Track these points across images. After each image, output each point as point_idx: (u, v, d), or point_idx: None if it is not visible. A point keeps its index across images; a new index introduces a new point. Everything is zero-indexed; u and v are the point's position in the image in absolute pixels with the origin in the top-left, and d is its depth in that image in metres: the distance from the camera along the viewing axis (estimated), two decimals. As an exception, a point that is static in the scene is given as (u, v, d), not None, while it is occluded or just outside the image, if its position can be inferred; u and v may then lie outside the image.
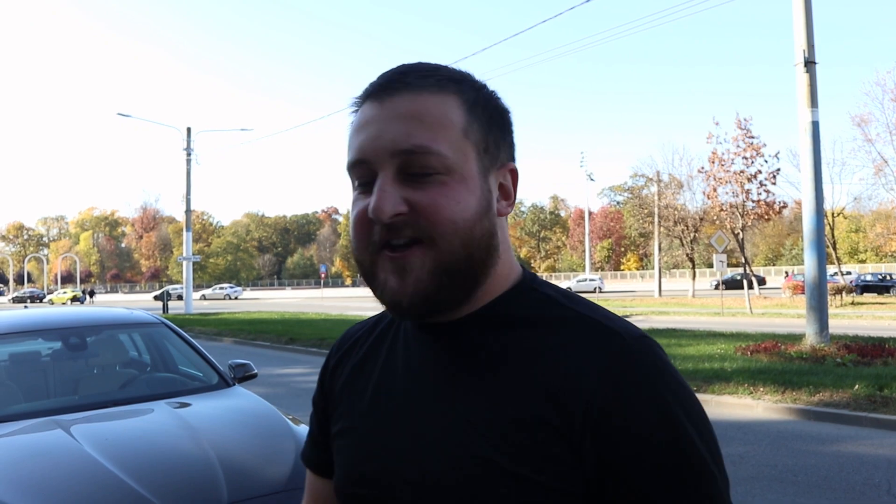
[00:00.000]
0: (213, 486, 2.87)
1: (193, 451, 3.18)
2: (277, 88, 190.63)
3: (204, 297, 64.86)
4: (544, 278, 0.96)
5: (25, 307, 35.64)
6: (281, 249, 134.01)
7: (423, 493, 0.81)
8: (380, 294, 0.84)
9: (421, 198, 0.80)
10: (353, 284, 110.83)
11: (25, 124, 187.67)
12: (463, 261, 0.81)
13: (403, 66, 0.87)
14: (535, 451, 0.76)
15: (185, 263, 34.24)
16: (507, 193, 0.89)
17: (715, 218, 32.62)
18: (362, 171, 0.83)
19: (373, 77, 0.88)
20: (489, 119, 0.86)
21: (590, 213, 63.47)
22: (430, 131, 0.80)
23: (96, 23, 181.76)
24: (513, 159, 0.90)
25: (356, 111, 0.87)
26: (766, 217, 31.12)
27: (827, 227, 22.46)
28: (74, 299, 62.46)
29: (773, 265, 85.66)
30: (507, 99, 0.92)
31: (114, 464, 2.95)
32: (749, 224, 30.92)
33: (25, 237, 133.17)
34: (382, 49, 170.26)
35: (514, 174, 0.90)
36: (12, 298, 72.80)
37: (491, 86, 0.91)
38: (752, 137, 29.91)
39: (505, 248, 0.88)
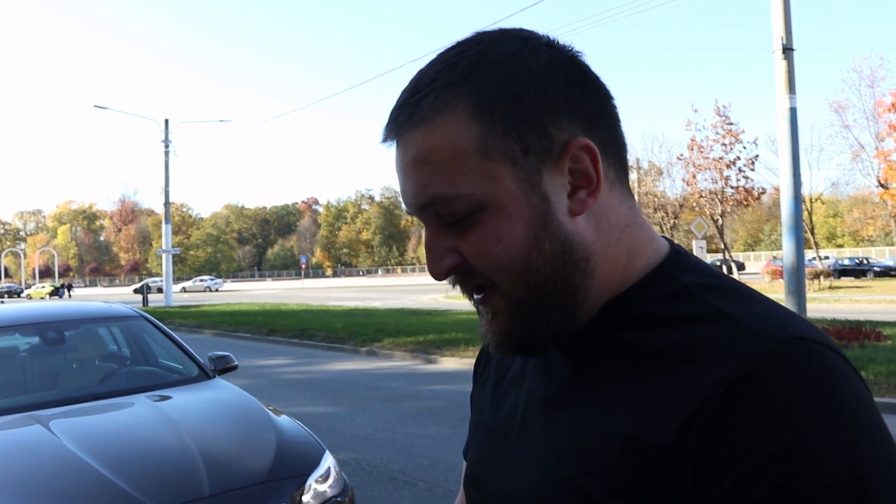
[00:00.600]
0: (195, 479, 2.85)
1: (174, 444, 3.16)
2: (255, 81, 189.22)
3: (184, 290, 64.46)
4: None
5: (2, 302, 35.13)
6: (261, 241, 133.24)
7: None
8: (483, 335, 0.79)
9: (464, 247, 0.71)
10: (334, 275, 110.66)
11: (0, 118, 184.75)
12: (532, 299, 0.71)
13: (409, 84, 0.73)
14: (631, 481, 0.63)
15: (164, 256, 33.94)
16: (583, 179, 0.70)
17: (694, 204, 32.87)
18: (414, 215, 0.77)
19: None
20: (519, 108, 0.68)
21: (571, 201, 63.90)
22: (442, 173, 0.69)
23: (70, 16, 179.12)
24: (586, 129, 0.70)
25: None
26: (745, 203, 31.47)
27: (805, 213, 22.70)
28: (53, 293, 61.75)
29: (753, 250, 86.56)
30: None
31: (94, 458, 2.93)
32: (728, 210, 31.26)
33: (2, 232, 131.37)
34: (360, 41, 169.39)
35: (587, 150, 0.69)
36: (-11, 293, 71.88)
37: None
38: (731, 124, 30.18)
39: (608, 243, 0.73)
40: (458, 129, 0.68)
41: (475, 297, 0.75)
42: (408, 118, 0.70)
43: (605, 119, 0.73)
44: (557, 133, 0.69)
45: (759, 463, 0.56)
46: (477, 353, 1.02)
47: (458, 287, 0.76)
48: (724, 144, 30.15)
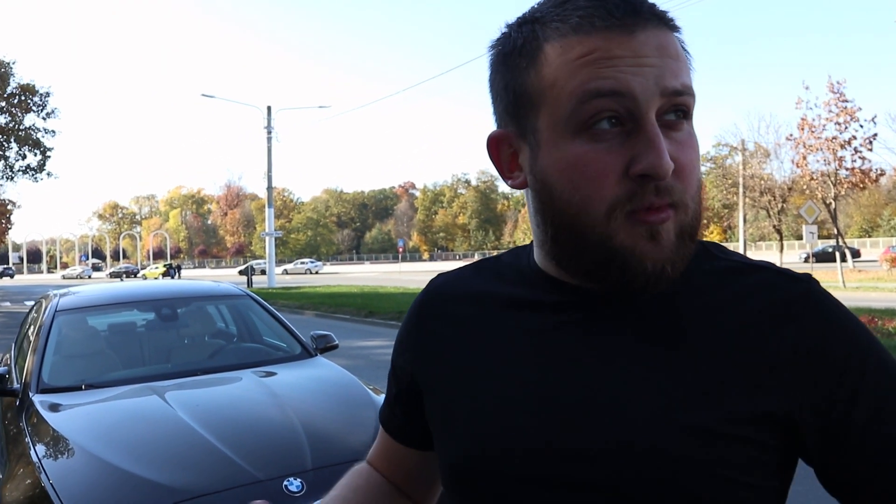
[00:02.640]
0: (298, 452, 2.95)
1: (279, 418, 3.28)
2: (354, 65, 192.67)
3: (286, 272, 66.64)
4: None
5: (121, 281, 37.49)
6: (359, 224, 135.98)
7: (603, 466, 0.72)
8: (632, 262, 0.72)
9: (681, 155, 0.72)
10: (431, 259, 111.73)
11: (118, 109, 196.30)
12: (699, 223, 0.75)
13: None
14: (728, 409, 0.70)
15: (267, 239, 35.22)
16: None
17: (805, 187, 31.14)
18: (611, 107, 0.69)
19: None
20: (689, 61, 0.77)
21: (671, 185, 61.95)
22: (687, 73, 0.73)
23: (182, 4, 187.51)
24: None
25: (540, 41, 0.74)
26: (862, 185, 29.50)
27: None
28: (165, 273, 65.32)
29: (869, 237, 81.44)
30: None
31: (205, 428, 3.07)
32: (842, 193, 29.41)
33: (120, 216, 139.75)
34: (457, 24, 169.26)
35: None
36: (109, 273, 76.91)
37: None
38: (846, 101, 28.35)
39: None
40: (682, 50, 0.74)
41: (650, 215, 0.70)
42: (654, 16, 0.72)
43: None
44: None
45: (855, 359, 0.72)
46: None
47: (630, 197, 0.70)
48: (839, 123, 28.35)
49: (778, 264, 0.78)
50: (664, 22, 0.73)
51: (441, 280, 0.98)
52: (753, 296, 0.75)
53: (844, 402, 0.70)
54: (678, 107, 0.72)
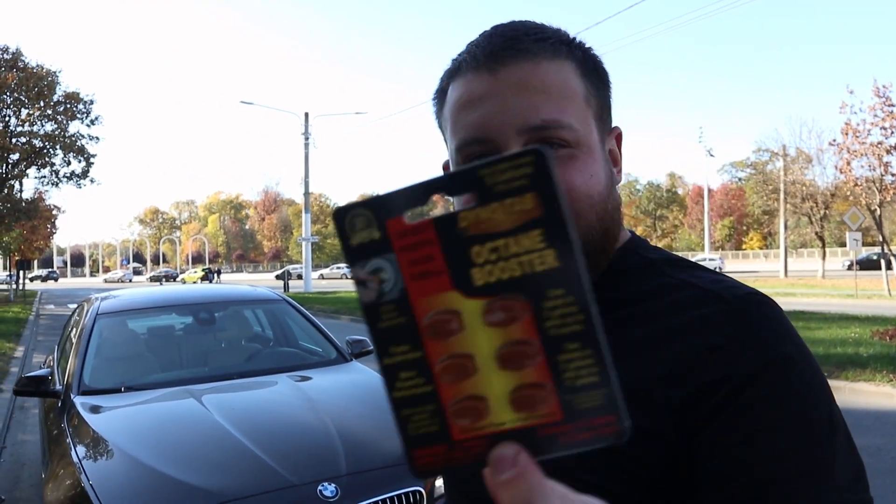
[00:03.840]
0: (332, 457, 2.94)
1: (314, 423, 3.28)
2: (390, 71, 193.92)
3: (322, 277, 67.28)
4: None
5: (160, 285, 38.14)
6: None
7: None
8: None
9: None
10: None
11: (159, 116, 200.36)
12: (600, 238, 0.77)
13: (504, 27, 0.78)
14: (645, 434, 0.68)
15: (304, 244, 35.59)
16: (616, 159, 0.85)
17: (848, 193, 30.44)
18: (478, 150, 0.75)
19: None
20: (600, 82, 0.80)
21: (709, 191, 61.03)
22: (557, 104, 0.73)
23: (221, 9, 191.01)
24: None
25: (447, 84, 0.80)
26: (908, 192, 28.77)
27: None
28: (204, 278, 66.41)
29: (915, 244, 79.35)
30: (617, 76, 0.85)
31: (240, 432, 3.09)
32: (888, 200, 28.69)
33: (160, 220, 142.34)
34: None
35: (619, 139, 0.85)
36: (150, 277, 78.46)
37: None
38: (893, 105, 27.67)
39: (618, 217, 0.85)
40: (570, 76, 0.76)
41: None
42: (520, 52, 0.74)
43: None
44: (609, 117, 0.83)
45: (748, 372, 0.67)
46: None
47: None
48: (885, 128, 27.67)
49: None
50: (535, 55, 0.74)
51: None
52: (684, 324, 0.73)
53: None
54: (547, 139, 0.73)
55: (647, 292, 0.77)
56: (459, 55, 0.79)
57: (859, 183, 28.61)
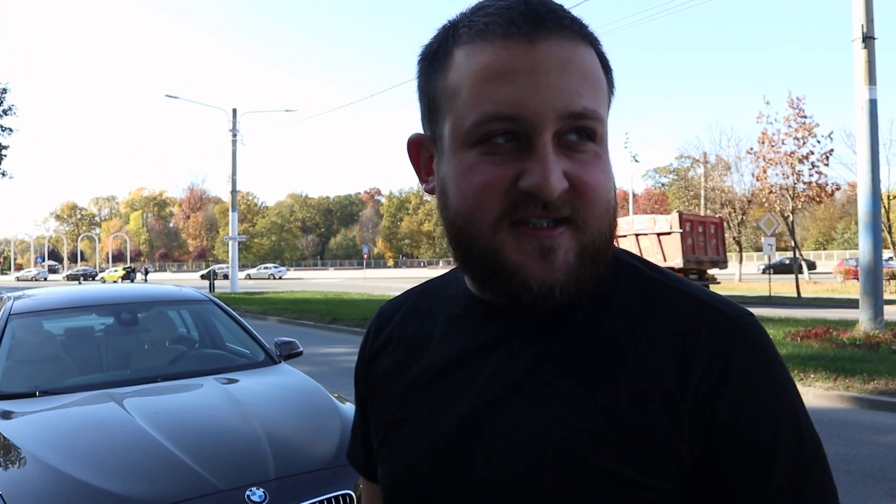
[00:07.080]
0: (261, 461, 2.89)
1: (241, 426, 3.22)
2: (321, 71, 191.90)
3: (249, 277, 66.02)
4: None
5: (79, 284, 36.64)
6: (324, 230, 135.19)
7: (496, 495, 0.72)
8: (517, 279, 0.70)
9: (582, 174, 0.69)
10: (396, 265, 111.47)
11: (78, 107, 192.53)
12: (607, 245, 0.73)
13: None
14: (636, 451, 0.68)
15: (230, 243, 34.80)
16: None
17: (764, 200, 31.82)
18: (507, 128, 0.68)
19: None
20: (609, 79, 0.75)
21: (634, 195, 62.58)
22: (595, 93, 0.69)
23: (144, 4, 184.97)
24: None
25: (452, 48, 0.72)
26: (818, 199, 30.28)
27: (883, 210, 21.72)
28: (125, 277, 64.17)
29: (824, 249, 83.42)
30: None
31: (164, 436, 3.00)
32: (800, 207, 30.15)
33: (78, 217, 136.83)
34: (426, 32, 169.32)
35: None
36: (66, 276, 75.26)
37: None
38: (805, 117, 29.06)
39: None
40: (598, 66, 0.72)
41: (541, 231, 0.69)
42: (556, 27, 0.68)
43: None
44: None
45: (760, 417, 0.68)
46: None
47: (513, 213, 0.69)
48: (797, 138, 29.06)
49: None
50: (574, 32, 0.69)
51: (387, 307, 0.98)
52: (672, 333, 0.72)
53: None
54: (580, 129, 0.69)
55: (640, 299, 0.76)
56: (475, 16, 0.71)
57: (774, 190, 29.94)
